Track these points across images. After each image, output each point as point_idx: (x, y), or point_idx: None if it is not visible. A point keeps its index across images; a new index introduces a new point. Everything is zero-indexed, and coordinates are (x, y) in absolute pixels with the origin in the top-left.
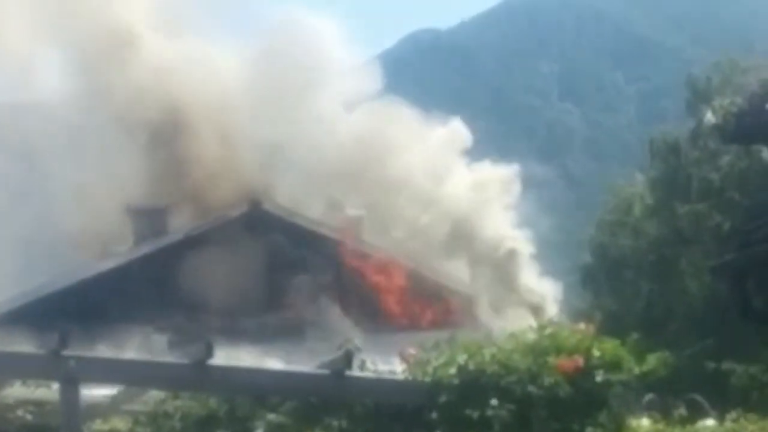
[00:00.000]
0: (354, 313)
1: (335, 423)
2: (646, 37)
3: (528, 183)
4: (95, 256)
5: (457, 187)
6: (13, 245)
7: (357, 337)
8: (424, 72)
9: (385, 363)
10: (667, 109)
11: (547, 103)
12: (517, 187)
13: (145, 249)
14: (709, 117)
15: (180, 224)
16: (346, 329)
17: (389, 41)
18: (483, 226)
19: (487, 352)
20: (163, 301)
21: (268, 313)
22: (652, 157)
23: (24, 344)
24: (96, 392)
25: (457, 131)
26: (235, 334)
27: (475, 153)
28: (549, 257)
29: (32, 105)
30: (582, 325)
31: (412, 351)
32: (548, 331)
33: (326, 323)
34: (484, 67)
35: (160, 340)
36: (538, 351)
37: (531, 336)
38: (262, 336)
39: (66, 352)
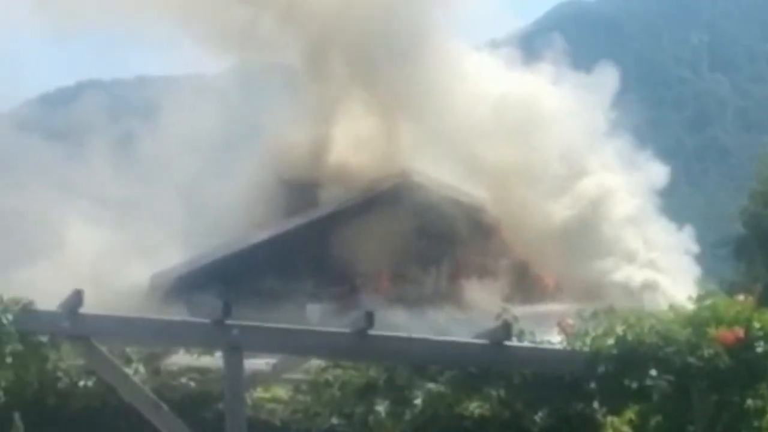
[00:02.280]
0: (502, 283)
1: (494, 393)
2: None
3: (675, 155)
4: (250, 228)
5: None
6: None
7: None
8: (570, 44)
9: (539, 334)
10: None
11: (697, 74)
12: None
13: (299, 220)
14: None
15: (329, 197)
16: (496, 299)
17: (535, 14)
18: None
19: (646, 323)
20: (317, 271)
21: (418, 283)
22: None
23: (186, 313)
24: (258, 361)
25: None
26: (388, 304)
27: (625, 124)
28: (699, 228)
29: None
30: (741, 297)
31: (570, 321)
32: (708, 302)
33: (476, 293)
34: (632, 38)
35: (314, 309)
36: (697, 322)
37: (690, 307)
38: (414, 305)
39: (229, 321)
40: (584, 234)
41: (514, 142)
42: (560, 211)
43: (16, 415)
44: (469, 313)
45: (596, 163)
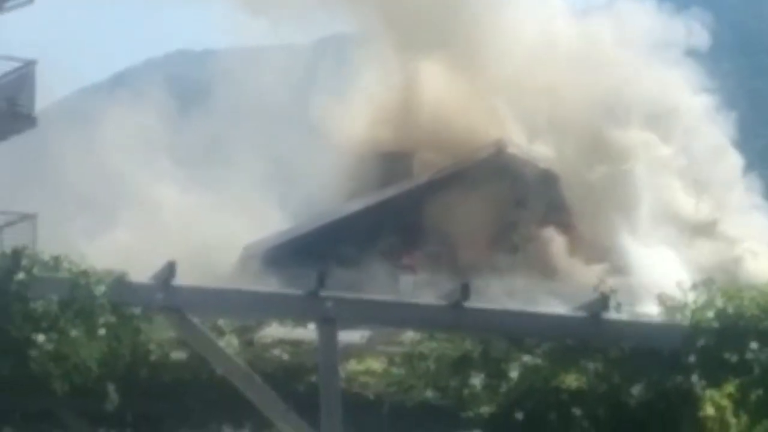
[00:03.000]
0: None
1: (590, 366)
2: None
3: None
4: (344, 199)
5: None
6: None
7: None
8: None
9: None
10: None
11: None
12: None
13: (393, 191)
14: None
15: (423, 167)
16: (593, 271)
17: None
18: None
19: (747, 295)
20: (410, 242)
21: (514, 253)
22: None
23: (280, 284)
24: (352, 333)
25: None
26: (484, 273)
27: (723, 93)
28: None
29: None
30: None
31: (668, 294)
32: None
33: (569, 264)
34: (730, 7)
35: (407, 280)
36: None
37: None
38: (509, 275)
39: (323, 293)
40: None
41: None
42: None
43: (111, 387)
44: (564, 284)
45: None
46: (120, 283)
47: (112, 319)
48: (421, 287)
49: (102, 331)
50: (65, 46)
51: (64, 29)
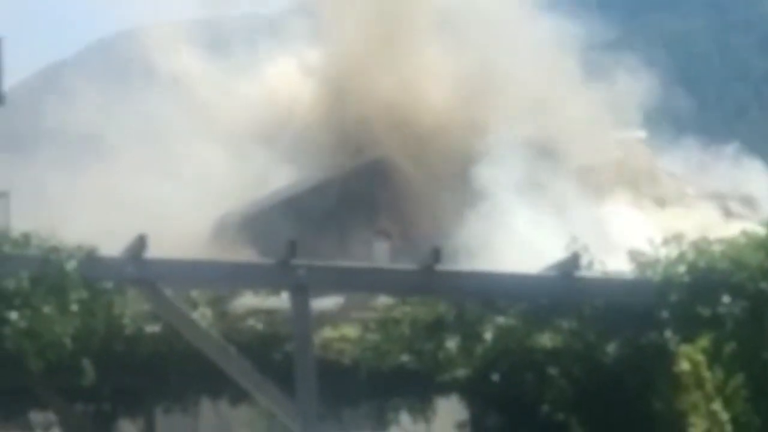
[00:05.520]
0: None
1: (565, 325)
2: None
3: (744, 78)
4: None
5: None
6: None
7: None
8: None
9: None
10: None
11: None
12: None
13: (365, 159)
14: None
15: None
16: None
17: None
18: None
19: (717, 249)
20: (382, 209)
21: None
22: None
23: (254, 252)
24: (325, 300)
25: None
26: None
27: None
28: None
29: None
30: None
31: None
32: None
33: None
34: None
35: (381, 246)
36: None
37: (762, 232)
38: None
39: (295, 261)
40: None
41: None
42: None
43: (86, 362)
44: None
45: None
46: (91, 258)
47: (85, 294)
48: (397, 254)
49: (75, 307)
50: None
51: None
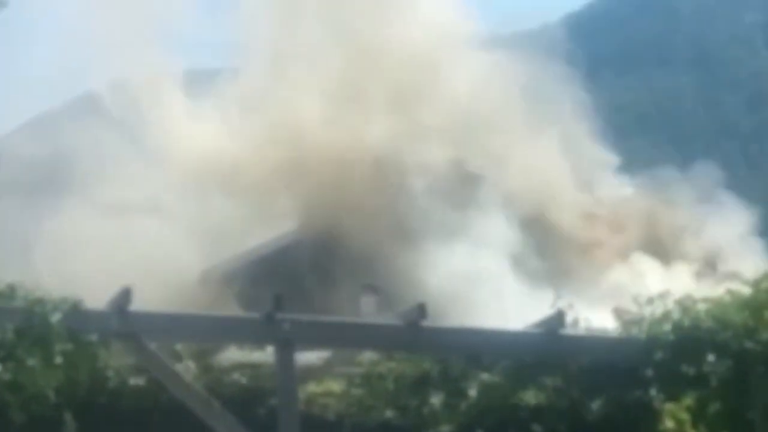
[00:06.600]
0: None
1: (549, 382)
2: None
3: (732, 136)
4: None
5: None
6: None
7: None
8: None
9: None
10: None
11: (752, 52)
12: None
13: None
14: None
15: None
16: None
17: None
18: None
19: (702, 307)
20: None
21: None
22: None
23: (239, 307)
24: (310, 354)
25: None
26: None
27: (679, 107)
28: (761, 210)
29: None
30: None
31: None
32: (765, 285)
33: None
34: (686, 19)
35: (369, 301)
36: (754, 306)
37: (746, 291)
38: None
39: (280, 315)
40: None
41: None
42: None
43: (68, 416)
44: None
45: None
46: (75, 310)
47: (69, 346)
48: (384, 307)
49: (59, 359)
50: None
51: None
